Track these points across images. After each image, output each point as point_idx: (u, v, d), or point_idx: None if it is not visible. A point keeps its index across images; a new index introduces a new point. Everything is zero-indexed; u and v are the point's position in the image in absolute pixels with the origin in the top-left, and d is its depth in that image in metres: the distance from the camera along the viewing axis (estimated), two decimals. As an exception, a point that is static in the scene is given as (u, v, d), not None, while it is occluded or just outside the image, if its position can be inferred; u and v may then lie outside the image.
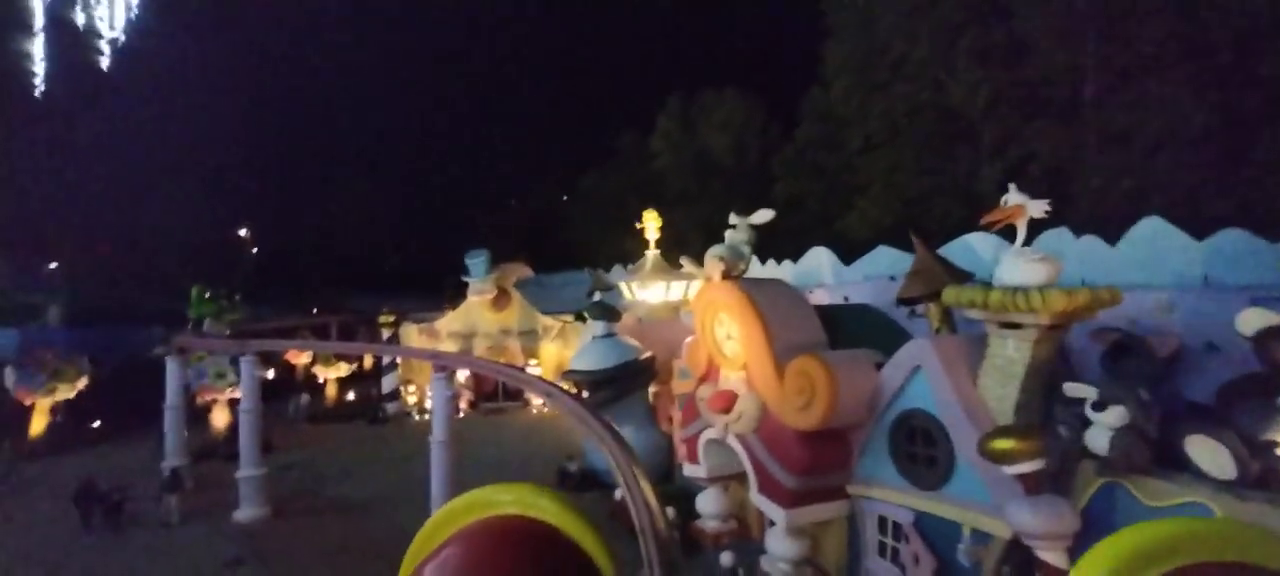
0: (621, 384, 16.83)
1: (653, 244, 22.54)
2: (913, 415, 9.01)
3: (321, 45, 67.53)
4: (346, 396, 28.90)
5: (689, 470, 13.59)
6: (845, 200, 19.91)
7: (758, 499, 11.16)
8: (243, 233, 64.53)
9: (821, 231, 21.36)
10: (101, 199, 52.80)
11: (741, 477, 13.26)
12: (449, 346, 28.30)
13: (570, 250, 42.88)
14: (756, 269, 12.74)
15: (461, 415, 26.66)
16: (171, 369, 16.98)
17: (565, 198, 47.73)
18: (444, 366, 11.17)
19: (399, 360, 27.75)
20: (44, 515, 15.41)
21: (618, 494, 15.00)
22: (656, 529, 3.71)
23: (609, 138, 40.34)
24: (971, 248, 11.71)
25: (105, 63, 62.27)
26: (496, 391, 28.54)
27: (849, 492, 10.41)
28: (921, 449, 8.96)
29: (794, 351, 10.56)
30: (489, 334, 28.38)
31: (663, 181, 32.46)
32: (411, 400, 27.30)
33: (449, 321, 28.52)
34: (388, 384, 27.66)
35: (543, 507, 1.64)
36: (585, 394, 17.21)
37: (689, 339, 15.49)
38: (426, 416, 26.51)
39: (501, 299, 28.26)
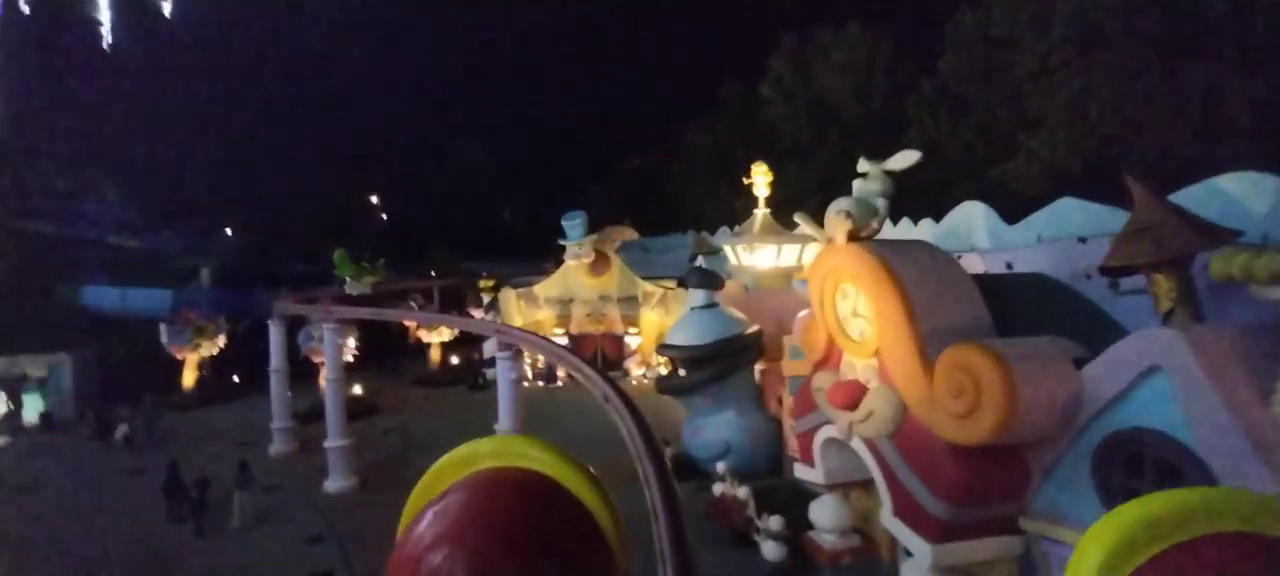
0: (722, 362, 14.79)
1: (762, 202, 19.96)
2: (1138, 436, 6.23)
3: (435, 14, 69.43)
4: (451, 360, 29.21)
5: (802, 471, 11.37)
6: (1006, 142, 16.00)
7: (891, 522, 8.78)
8: (373, 199, 68.79)
9: (970, 182, 17.52)
10: (249, 169, 58.32)
11: (867, 485, 10.89)
12: (546, 312, 27.62)
13: (675, 211, 40.86)
14: (887, 230, 10.02)
15: (559, 384, 25.98)
16: (275, 333, 17.25)
17: (667, 156, 45.49)
18: (508, 344, 9.72)
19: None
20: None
21: (717, 489, 13.11)
22: (673, 519, 3.23)
23: (716, 87, 37.36)
24: (1223, 192, 8.26)
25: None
26: (595, 358, 27.55)
27: (1023, 528, 7.77)
28: (1150, 485, 6.16)
29: (947, 337, 7.97)
30: (587, 300, 27.31)
31: (774, 133, 29.30)
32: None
33: (546, 286, 27.76)
34: (489, 349, 27.48)
35: (548, 462, 1.54)
36: (681, 372, 15.38)
37: (803, 314, 13.07)
38: (526, 383, 26.16)
39: (600, 263, 26.95)
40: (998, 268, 11.37)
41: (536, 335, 9.37)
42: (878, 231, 9.92)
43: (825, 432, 10.61)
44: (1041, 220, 11.42)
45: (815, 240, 11.30)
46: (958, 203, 14.70)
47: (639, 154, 57.78)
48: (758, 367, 16.62)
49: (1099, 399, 6.53)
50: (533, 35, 69.67)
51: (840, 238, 9.59)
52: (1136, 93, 12.73)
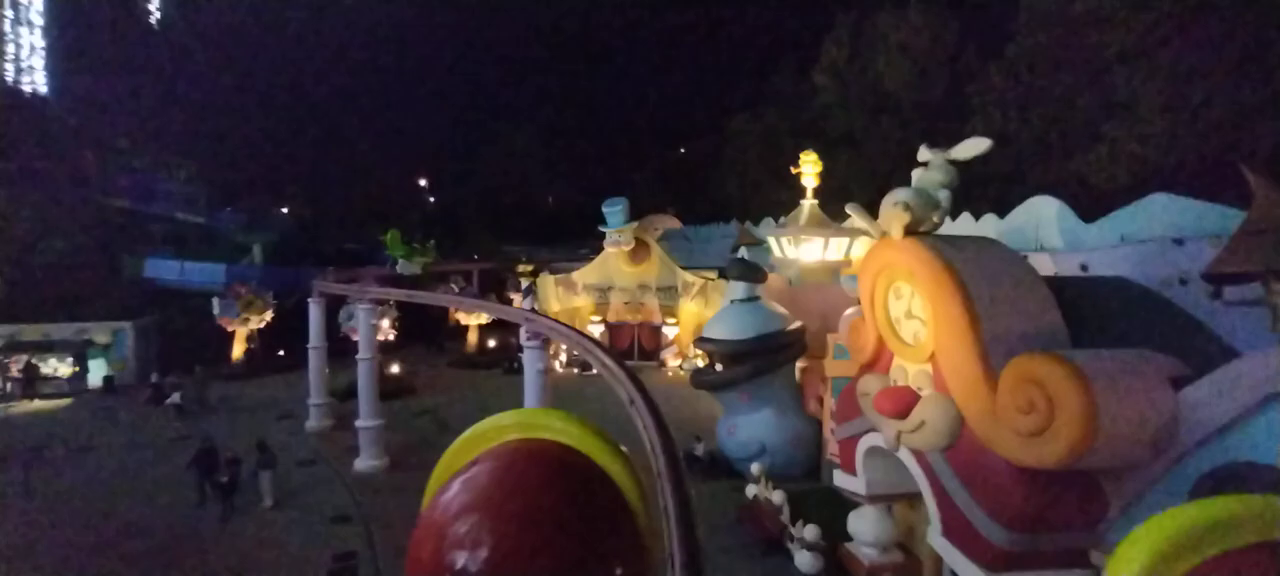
0: (761, 359, 14.08)
1: (810, 192, 19.03)
2: (1250, 474, 5.31)
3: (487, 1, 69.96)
4: (488, 343, 29.29)
5: (842, 480, 10.63)
6: (1085, 132, 14.50)
7: (939, 543, 8.01)
8: (422, 182, 70.15)
9: (1040, 175, 16.08)
10: (305, 151, 60.35)
11: (913, 498, 10.09)
12: (584, 299, 27.32)
13: (719, 201, 39.97)
14: (946, 225, 9.10)
15: (595, 371, 25.65)
16: (314, 311, 17.42)
17: (715, 144, 44.46)
18: (537, 334, 9.31)
19: (537, 308, 27.36)
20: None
21: (750, 491, 12.48)
22: (685, 519, 2.74)
23: (767, 74, 36.16)
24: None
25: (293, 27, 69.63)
26: (631, 348, 27.15)
27: (1095, 564, 6.90)
28: (1260, 531, 5.20)
29: (1015, 345, 7.15)
30: (625, 288, 26.89)
31: (825, 121, 28.06)
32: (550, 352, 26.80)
33: (585, 273, 27.45)
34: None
35: (575, 435, 1.55)
36: (718, 367, 14.73)
37: (850, 311, 12.25)
38: (561, 369, 26.00)
39: (640, 251, 26.45)
40: (1071, 270, 10.29)
41: (563, 324, 8.92)
42: (938, 226, 9.03)
43: (869, 440, 9.85)
44: (1126, 218, 10.24)
45: (867, 234, 10.48)
46: (1025, 198, 13.52)
47: (686, 142, 56.91)
48: (798, 366, 15.86)
49: (1202, 427, 5.61)
50: (585, 21, 69.54)
51: (896, 231, 8.76)
52: (1252, 75, 11.19)
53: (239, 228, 38.56)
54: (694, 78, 60.37)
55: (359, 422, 14.32)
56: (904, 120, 23.89)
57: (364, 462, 14.17)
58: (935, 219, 8.97)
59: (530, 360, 9.06)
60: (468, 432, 1.62)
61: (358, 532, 11.45)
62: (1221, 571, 1.42)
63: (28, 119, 42.21)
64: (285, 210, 56.42)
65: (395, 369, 23.87)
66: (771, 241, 20.09)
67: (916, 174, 9.59)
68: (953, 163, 9.14)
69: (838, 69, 26.95)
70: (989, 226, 13.13)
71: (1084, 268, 10.25)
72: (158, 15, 60.21)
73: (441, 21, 69.99)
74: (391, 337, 25.88)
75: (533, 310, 27.08)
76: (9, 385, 22.01)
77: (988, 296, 7.61)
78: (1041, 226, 11.62)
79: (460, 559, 1.28)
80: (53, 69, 51.60)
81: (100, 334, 23.83)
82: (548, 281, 27.62)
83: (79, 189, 35.85)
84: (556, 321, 9.21)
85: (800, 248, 18.46)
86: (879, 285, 9.38)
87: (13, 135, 42.56)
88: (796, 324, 14.98)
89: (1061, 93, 15.81)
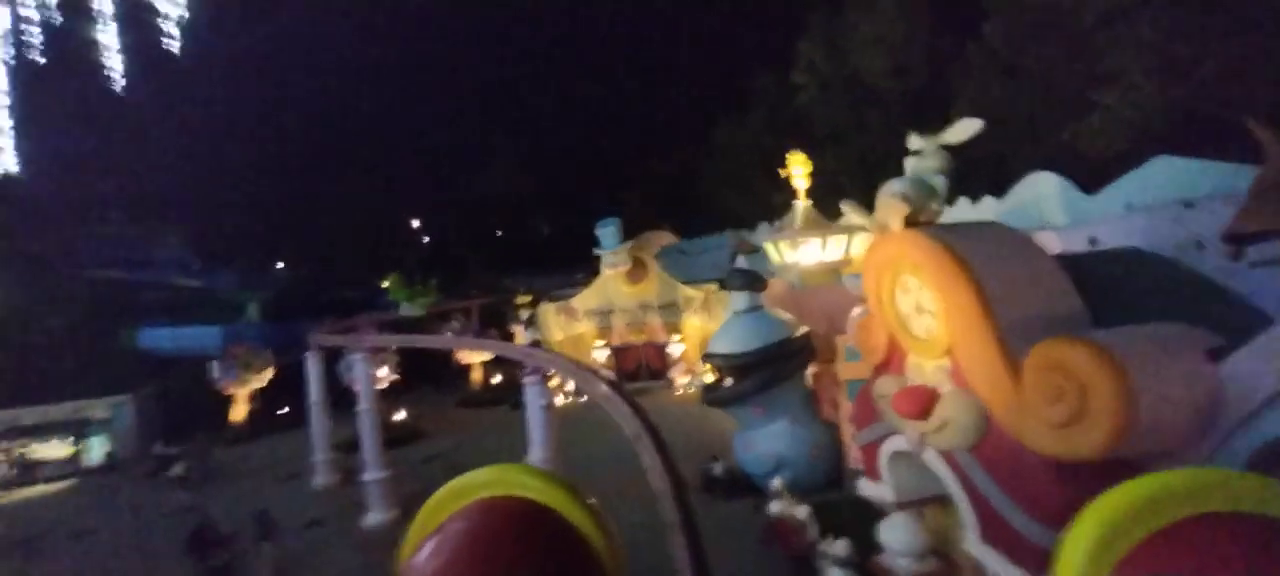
0: (772, 369, 13.72)
1: (801, 193, 18.78)
2: (1306, 447, 4.94)
3: (449, 31, 70.38)
4: (492, 380, 28.89)
5: (868, 488, 10.21)
6: (1073, 103, 14.26)
7: (980, 549, 7.59)
8: (415, 224, 70.19)
9: (1032, 150, 15.82)
10: (296, 203, 60.37)
11: (946, 500, 9.68)
12: (586, 325, 26.98)
13: (711, 211, 39.77)
14: (944, 212, 8.82)
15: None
16: (311, 365, 17.07)
17: (699, 155, 44.40)
18: (537, 368, 8.97)
19: (541, 341, 27.01)
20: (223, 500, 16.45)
21: (773, 508, 12.05)
22: (689, 527, 3.19)
23: (745, 80, 36.15)
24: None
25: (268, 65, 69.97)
26: (638, 370, 26.77)
27: (1146, 553, 6.44)
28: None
29: (1034, 330, 6.79)
30: (626, 309, 26.56)
31: (809, 121, 27.94)
32: (552, 383, 26.38)
33: (585, 298, 27.14)
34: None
35: (543, 490, 1.57)
36: (728, 382, 14.36)
37: (857, 311, 11.92)
38: (568, 399, 25.56)
39: (638, 270, 26.18)
40: (1079, 245, 9.98)
41: (562, 356, 8.57)
42: (938, 214, 8.76)
43: (892, 444, 9.45)
44: (1129, 186, 9.96)
45: (865, 229, 10.20)
46: (1020, 176, 13.27)
47: (672, 155, 56.93)
48: (810, 372, 15.49)
49: (1247, 399, 5.26)
50: (556, 47, 70.00)
51: (896, 224, 8.48)
52: (1241, 29, 10.99)
53: (233, 287, 38.31)
54: (674, 91, 60.61)
55: (365, 476, 13.91)
56: (888, 111, 23.74)
57: (374, 516, 13.75)
58: (934, 206, 8.69)
59: (533, 397, 8.70)
60: (437, 494, 1.64)
61: (370, 594, 11.03)
62: (1174, 540, 1.46)
63: (8, 199, 42.22)
64: (281, 265, 56.37)
65: (401, 414, 23.49)
66: (768, 247, 19.80)
67: (910, 163, 9.34)
68: (945, 147, 8.89)
69: (815, 67, 26.88)
70: (988, 209, 12.87)
71: (1093, 242, 9.94)
72: (122, 82, 60.50)
73: (421, 60, 70.52)
74: (396, 381, 25.50)
75: (536, 343, 26.84)
76: (7, 471, 21.62)
77: (998, 282, 7.29)
78: (1043, 203, 11.34)
79: None
80: (23, 147, 51.74)
81: (99, 410, 23.46)
82: (548, 311, 27.29)
83: (69, 265, 35.72)
84: (555, 354, 8.87)
85: (798, 251, 18.16)
86: (884, 281, 9.05)
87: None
88: (803, 329, 14.64)
89: (1045, 67, 15.63)
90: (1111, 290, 7.85)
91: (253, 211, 59.14)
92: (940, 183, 8.57)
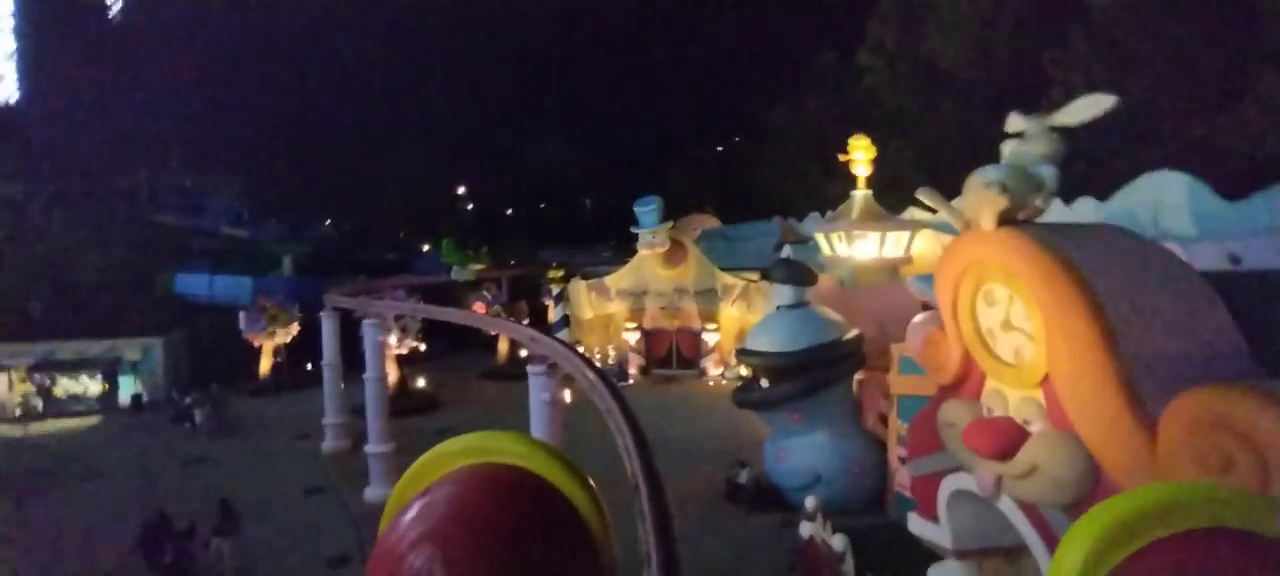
0: (814, 374, 12.26)
1: (862, 182, 17.05)
2: None
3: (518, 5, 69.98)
4: (519, 353, 28.09)
5: (920, 527, 8.74)
6: (1219, 89, 12.01)
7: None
8: (460, 190, 70.41)
9: (1148, 148, 13.54)
10: (346, 162, 61.29)
11: (1010, 554, 8.19)
12: (618, 305, 25.85)
13: (760, 196, 37.98)
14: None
15: (630, 382, 24.17)
16: (327, 326, 16.44)
17: (753, 138, 42.41)
18: (542, 356, 7.81)
19: (571, 316, 26.07)
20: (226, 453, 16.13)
21: (804, 530, 10.70)
22: (662, 525, 2.83)
23: (807, 58, 34.00)
24: None
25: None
26: (669, 356, 25.53)
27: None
28: None
29: (1175, 371, 5.27)
30: (661, 292, 25.28)
31: (873, 106, 25.86)
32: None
33: (618, 277, 25.97)
34: (557, 342, 26.16)
35: (531, 457, 1.55)
36: (763, 382, 12.96)
37: (921, 319, 10.32)
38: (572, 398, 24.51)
39: (676, 253, 24.78)
40: (1213, 262, 8.16)
41: (559, 343, 7.38)
42: (1042, 211, 7.14)
43: (955, 482, 7.96)
44: (1284, 195, 8.07)
45: (936, 226, 8.64)
46: (1124, 176, 11.32)
47: (724, 136, 55.02)
48: (856, 378, 13.95)
49: None
50: (618, 20, 68.63)
51: (987, 220, 6.89)
52: None
53: (276, 241, 38.66)
54: (731, 69, 58.48)
55: (368, 448, 13.17)
56: (965, 99, 21.53)
57: (374, 492, 13.00)
58: (1039, 202, 7.06)
59: (536, 389, 7.56)
60: (424, 457, 1.57)
61: (360, 572, 10.22)
62: (1164, 555, 1.39)
63: (76, 137, 43.68)
64: (327, 222, 57.23)
65: (421, 382, 22.92)
66: (819, 238, 18.20)
67: (1008, 148, 7.68)
68: (1056, 130, 7.22)
69: (885, 48, 24.71)
70: (1086, 211, 11.01)
71: (1235, 260, 8.10)
72: (190, 36, 62.23)
73: (476, 28, 70.26)
74: (421, 349, 24.96)
75: (565, 319, 25.88)
76: (33, 404, 22.04)
77: (1127, 303, 5.71)
78: (1164, 209, 9.46)
79: None
80: (92, 89, 53.55)
81: (130, 351, 23.67)
82: (580, 287, 26.26)
83: (129, 205, 36.63)
84: (559, 342, 7.68)
85: (853, 244, 16.52)
86: (964, 288, 7.50)
87: (72, 155, 44.18)
88: (853, 332, 13.10)
89: (1175, 47, 13.30)
90: (1264, 323, 6.17)
91: (304, 168, 60.36)
92: (1049, 173, 6.93)
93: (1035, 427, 6.48)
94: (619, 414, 4.71)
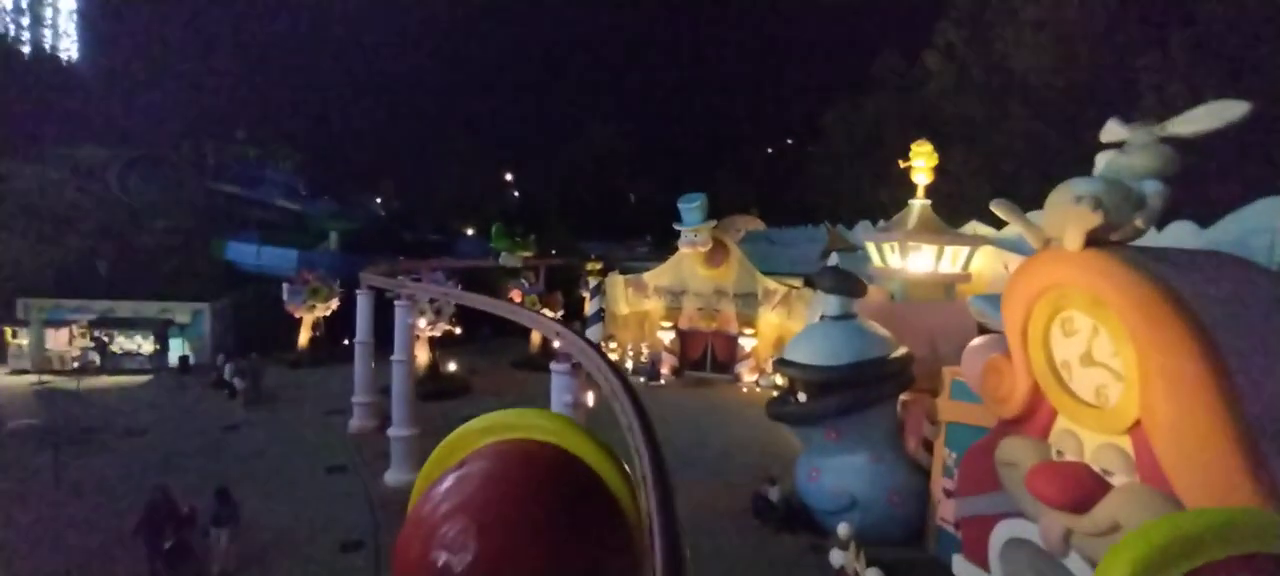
0: (857, 391, 11.43)
1: (921, 190, 15.99)
2: None
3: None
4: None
5: (967, 572, 7.93)
6: None
7: None
8: (508, 177, 71.09)
9: (1255, 167, 12.13)
10: (400, 142, 62.72)
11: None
12: (655, 302, 25.30)
13: (807, 200, 36.78)
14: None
15: (662, 383, 23.60)
16: (361, 303, 16.40)
17: (806, 139, 41.08)
18: (565, 354, 7.32)
19: (605, 309, 25.65)
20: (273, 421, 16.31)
21: (835, 559, 9.95)
22: (667, 520, 2.24)
23: (870, 57, 32.58)
24: None
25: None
26: (704, 358, 24.84)
27: None
28: None
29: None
30: (700, 293, 24.61)
31: (936, 112, 24.46)
32: (612, 358, 24.98)
33: (657, 274, 25.41)
34: (591, 337, 25.77)
35: (563, 434, 1.56)
36: (801, 397, 12.19)
37: (980, 342, 9.46)
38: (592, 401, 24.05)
39: (718, 253, 24.06)
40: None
41: (592, 345, 6.87)
42: (1143, 233, 6.23)
43: (1011, 528, 7.13)
44: None
45: (1008, 242, 7.74)
46: (1224, 203, 10.06)
47: (777, 135, 53.69)
48: (901, 398, 13.02)
49: None
50: (678, 12, 68.06)
51: (1074, 239, 6.05)
52: None
53: (327, 216, 39.58)
54: (787, 68, 57.08)
55: (391, 431, 12.99)
56: (1037, 108, 20.03)
57: (394, 476, 12.83)
58: (1139, 223, 6.16)
59: (558, 388, 7.08)
60: (457, 432, 1.60)
61: (368, 560, 10.00)
62: None
63: (150, 108, 45.75)
64: (378, 199, 58.55)
65: (452, 366, 22.89)
66: (870, 248, 17.20)
67: (1104, 159, 6.79)
68: (1167, 141, 6.29)
69: (955, 52, 23.30)
70: (1183, 238, 9.83)
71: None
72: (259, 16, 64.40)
73: (535, 14, 70.76)
74: (456, 332, 24.97)
75: (599, 312, 25.47)
76: (90, 359, 23.00)
77: (1247, 345, 4.83)
78: (1279, 240, 8.28)
79: (447, 559, 1.28)
80: (162, 60, 55.86)
81: (181, 314, 24.43)
82: (617, 281, 25.81)
83: (196, 173, 38.14)
84: (585, 340, 7.17)
85: (907, 257, 15.49)
86: (1038, 314, 6.67)
87: (146, 123, 46.30)
88: (901, 350, 12.19)
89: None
90: None
91: (358, 147, 62.03)
92: (1154, 190, 6.03)
93: (1118, 480, 5.63)
94: (640, 431, 4.17)
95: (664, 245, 31.46)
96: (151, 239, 29.66)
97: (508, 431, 1.60)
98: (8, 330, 23.35)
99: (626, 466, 1.55)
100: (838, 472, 11.76)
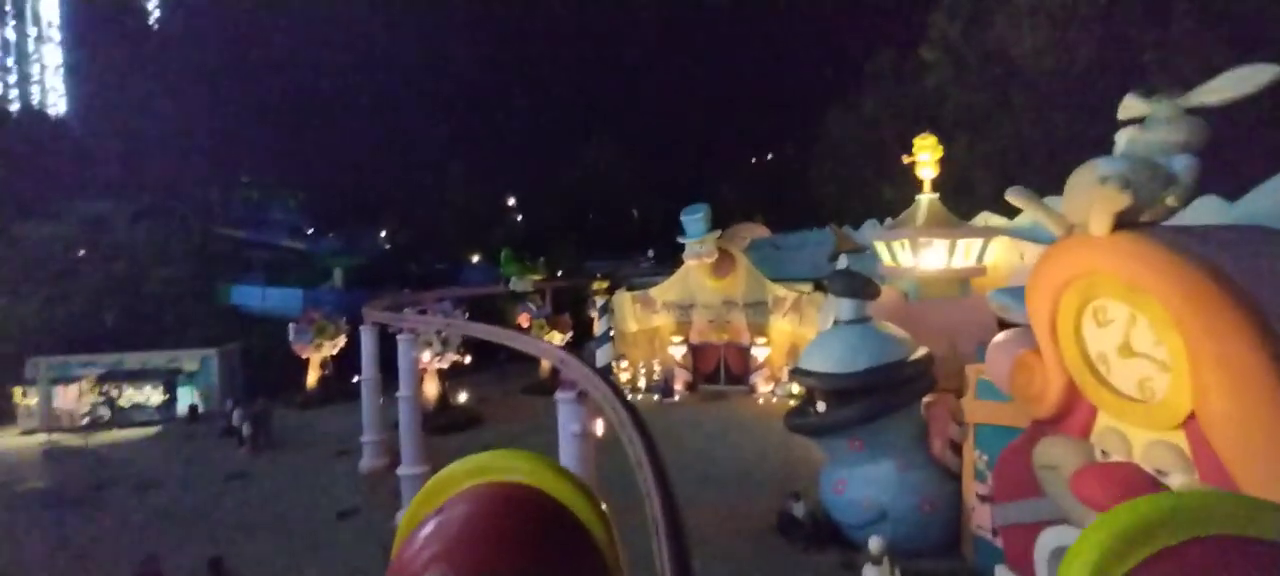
0: (878, 397, 11.00)
1: (927, 185, 15.62)
2: None
3: (552, 14, 70.89)
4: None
5: (1012, 586, 7.45)
6: None
7: None
8: (510, 202, 71.26)
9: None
10: (401, 175, 63.12)
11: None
12: (664, 318, 24.93)
13: (812, 203, 36.43)
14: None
15: (676, 399, 23.16)
16: (366, 339, 16.14)
17: (806, 144, 40.79)
18: (571, 382, 6.96)
19: (614, 330, 25.29)
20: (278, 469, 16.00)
21: (869, 575, 9.44)
22: (672, 521, 2.97)
23: (865, 57, 32.34)
24: None
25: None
26: (717, 371, 24.39)
27: None
28: None
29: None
30: (709, 305, 24.22)
31: (938, 105, 24.12)
32: (624, 377, 24.59)
33: (665, 289, 25.06)
34: (600, 357, 25.36)
35: (541, 476, 1.61)
36: (820, 406, 11.76)
37: (1002, 338, 9.02)
38: (639, 396, 23.70)
39: (725, 263, 23.69)
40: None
41: (598, 372, 6.50)
42: (1176, 212, 5.85)
43: (1058, 537, 6.66)
44: None
45: (1024, 231, 7.36)
46: (1250, 175, 9.60)
47: (775, 142, 53.49)
48: (923, 400, 12.55)
49: None
50: (665, 25, 68.53)
51: (1101, 223, 5.66)
52: None
53: (332, 253, 39.60)
54: (780, 73, 57.07)
55: (401, 471, 12.65)
56: (1040, 95, 19.65)
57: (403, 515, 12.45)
58: (1171, 201, 5.78)
59: (565, 418, 6.72)
60: (436, 477, 1.59)
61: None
62: (1179, 561, 1.32)
63: (151, 157, 46.30)
64: (383, 234, 58.78)
65: (463, 397, 22.58)
66: (879, 247, 16.79)
67: (1124, 137, 6.41)
68: (1194, 112, 5.92)
69: (951, 42, 23.01)
70: (1209, 214, 9.38)
71: None
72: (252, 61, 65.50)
73: (528, 39, 71.45)
74: (465, 362, 24.70)
75: (608, 333, 25.13)
76: (100, 414, 22.88)
77: (1307, 325, 4.42)
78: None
79: None
80: (166, 112, 56.59)
81: (189, 361, 24.30)
82: (625, 299, 25.49)
83: (201, 219, 38.36)
84: (589, 368, 6.82)
85: (919, 253, 15.08)
86: (1066, 304, 6.28)
87: (155, 171, 46.77)
88: (922, 351, 11.76)
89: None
90: None
91: (360, 182, 62.48)
92: (1184, 165, 5.65)
93: (1175, 480, 5.19)
94: (648, 465, 3.85)
95: (668, 259, 31.21)
96: (156, 287, 29.67)
97: (486, 474, 1.64)
98: (16, 391, 23.26)
99: (604, 506, 1.61)
100: (864, 483, 11.28)
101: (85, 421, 22.82)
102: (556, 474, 1.63)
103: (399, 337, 13.09)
